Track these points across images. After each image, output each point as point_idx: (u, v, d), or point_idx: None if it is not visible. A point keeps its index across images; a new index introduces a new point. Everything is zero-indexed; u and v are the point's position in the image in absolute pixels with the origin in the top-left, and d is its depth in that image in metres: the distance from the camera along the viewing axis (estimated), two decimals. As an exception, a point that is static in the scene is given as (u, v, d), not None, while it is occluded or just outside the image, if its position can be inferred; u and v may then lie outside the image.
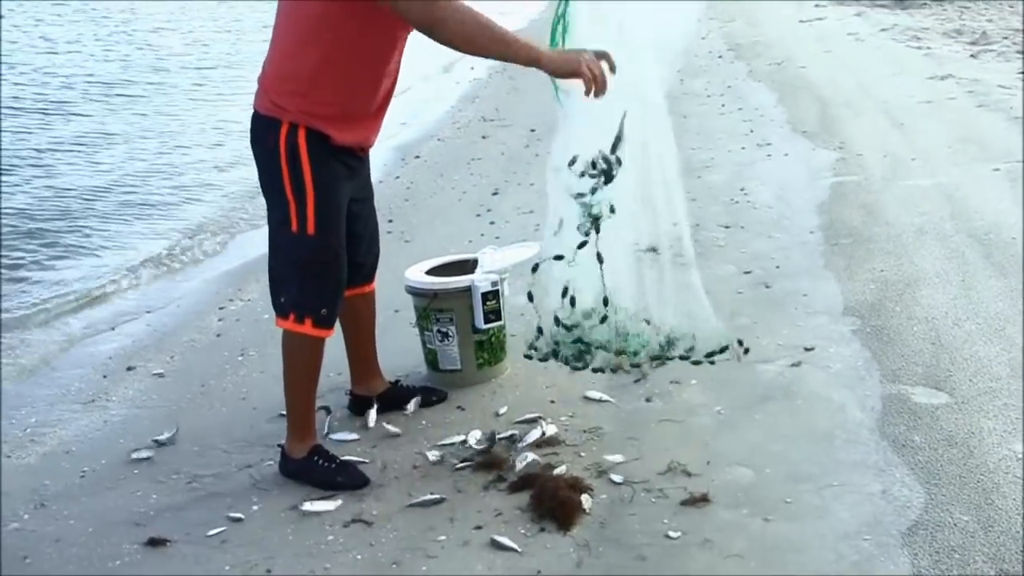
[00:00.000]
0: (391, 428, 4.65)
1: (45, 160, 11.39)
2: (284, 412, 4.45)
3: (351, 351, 4.83)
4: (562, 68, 3.86)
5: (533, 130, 10.85)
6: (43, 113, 13.58)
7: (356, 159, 4.26)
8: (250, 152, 4.20)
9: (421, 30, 3.86)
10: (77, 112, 13.76)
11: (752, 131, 9.90)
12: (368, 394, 4.86)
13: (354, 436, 4.63)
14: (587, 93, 3.86)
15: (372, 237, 4.62)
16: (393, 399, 4.87)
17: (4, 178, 10.39)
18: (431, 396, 4.91)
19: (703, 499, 3.85)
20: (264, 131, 4.09)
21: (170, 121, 13.25)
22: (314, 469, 4.28)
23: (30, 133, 12.46)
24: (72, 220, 9.13)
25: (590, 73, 3.81)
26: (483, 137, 10.89)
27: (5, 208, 9.28)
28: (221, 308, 6.55)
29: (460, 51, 3.94)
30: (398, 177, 9.41)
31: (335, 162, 4.11)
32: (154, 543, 3.93)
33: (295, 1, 4.01)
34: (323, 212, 4.06)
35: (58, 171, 10.98)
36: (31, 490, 4.46)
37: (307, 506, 4.07)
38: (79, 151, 11.84)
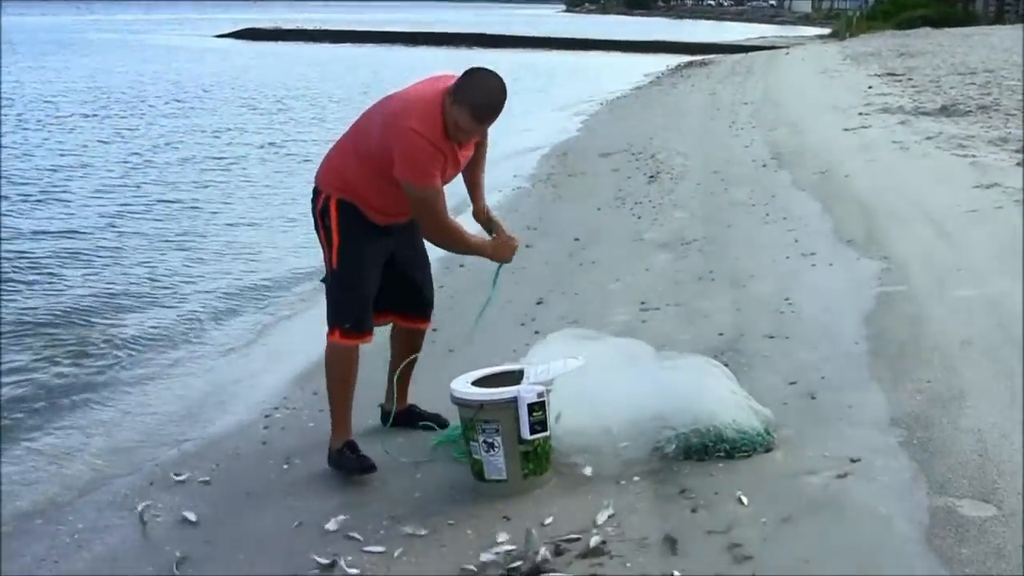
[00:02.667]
0: (437, 536, 4.67)
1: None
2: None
3: (391, 371, 5.87)
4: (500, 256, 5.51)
5: (577, 239, 10.91)
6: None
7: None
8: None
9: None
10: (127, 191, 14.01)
11: (797, 240, 9.90)
12: (388, 409, 5.88)
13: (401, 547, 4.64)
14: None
15: (420, 277, 5.79)
16: (406, 418, 5.86)
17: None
18: (437, 421, 5.84)
19: (749, 614, 3.82)
20: (314, 197, 5.43)
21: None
22: (342, 459, 5.43)
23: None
24: (110, 319, 9.34)
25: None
26: (527, 246, 10.85)
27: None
28: (267, 416, 6.57)
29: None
30: (442, 286, 9.41)
31: (361, 221, 5.33)
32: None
33: (368, 124, 5.31)
34: (344, 253, 5.32)
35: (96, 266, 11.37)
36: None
37: None
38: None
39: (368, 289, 5.40)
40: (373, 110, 5.33)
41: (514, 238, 5.52)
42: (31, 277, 10.91)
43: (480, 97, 5.00)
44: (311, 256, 9.36)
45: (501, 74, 5.11)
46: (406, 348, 5.82)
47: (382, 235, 5.38)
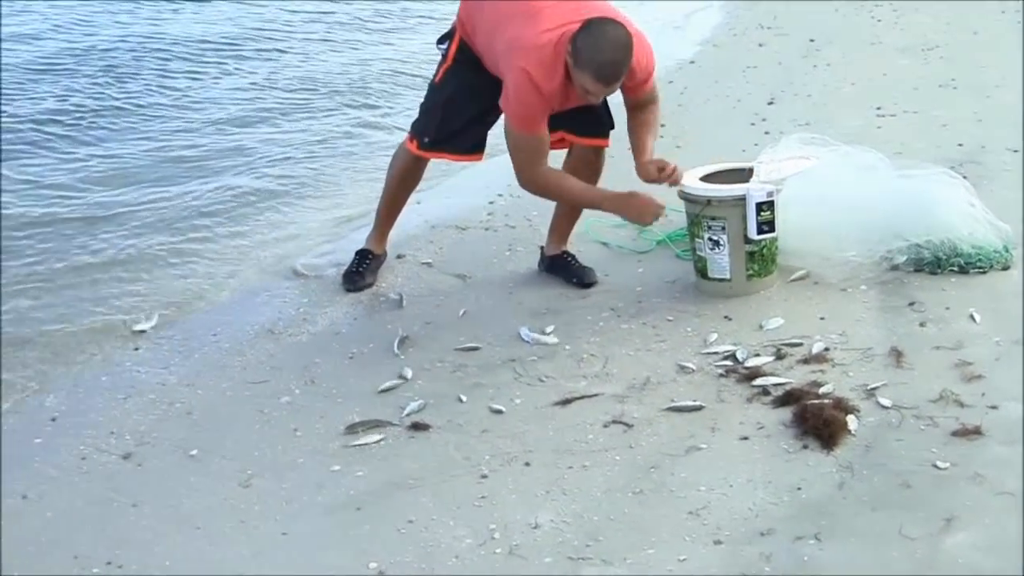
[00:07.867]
0: (656, 331, 4.68)
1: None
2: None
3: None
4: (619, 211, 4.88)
5: (812, 40, 10.55)
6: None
7: None
8: None
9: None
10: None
11: (1050, 48, 9.42)
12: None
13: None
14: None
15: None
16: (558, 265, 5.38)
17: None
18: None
19: (975, 431, 3.70)
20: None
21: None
22: (351, 261, 5.54)
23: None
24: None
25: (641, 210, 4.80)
26: (760, 45, 10.60)
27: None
28: (491, 203, 6.58)
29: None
30: (671, 82, 9.24)
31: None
32: (416, 427, 4.05)
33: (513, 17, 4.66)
34: (448, 74, 5.10)
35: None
36: (302, 367, 4.65)
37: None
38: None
39: (454, 116, 5.05)
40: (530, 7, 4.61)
41: (656, 203, 4.75)
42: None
43: (602, 55, 4.37)
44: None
45: None
46: (583, 173, 5.07)
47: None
